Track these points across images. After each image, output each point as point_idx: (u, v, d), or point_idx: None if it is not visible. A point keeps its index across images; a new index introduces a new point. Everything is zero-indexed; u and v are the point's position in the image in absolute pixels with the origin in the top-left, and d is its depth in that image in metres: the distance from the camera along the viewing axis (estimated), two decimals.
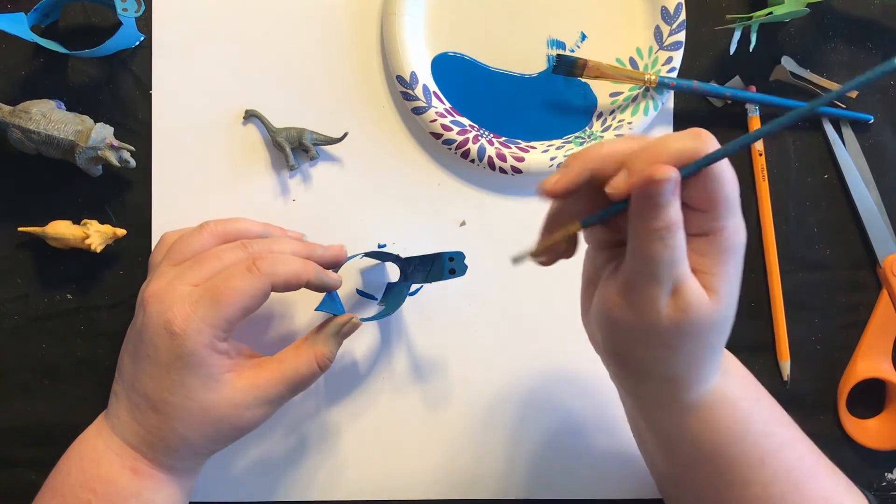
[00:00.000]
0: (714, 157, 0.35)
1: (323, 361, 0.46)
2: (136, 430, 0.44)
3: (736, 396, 0.41)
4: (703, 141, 0.35)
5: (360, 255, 0.52)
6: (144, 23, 0.53)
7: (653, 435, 0.44)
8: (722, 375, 0.41)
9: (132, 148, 0.51)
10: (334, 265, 0.49)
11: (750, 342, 0.56)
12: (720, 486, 0.41)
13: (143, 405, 0.44)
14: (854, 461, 0.56)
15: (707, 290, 0.37)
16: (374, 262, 0.54)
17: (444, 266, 0.49)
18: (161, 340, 0.42)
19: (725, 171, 0.36)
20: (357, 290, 0.54)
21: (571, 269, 0.55)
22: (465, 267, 0.49)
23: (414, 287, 0.53)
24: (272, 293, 0.44)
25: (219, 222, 0.47)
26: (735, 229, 0.37)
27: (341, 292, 0.53)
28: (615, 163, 0.36)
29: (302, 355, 0.46)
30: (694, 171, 0.35)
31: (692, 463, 0.42)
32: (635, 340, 0.38)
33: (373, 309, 0.54)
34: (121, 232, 0.51)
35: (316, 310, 0.47)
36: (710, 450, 0.41)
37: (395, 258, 0.52)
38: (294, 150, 0.53)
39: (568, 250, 0.40)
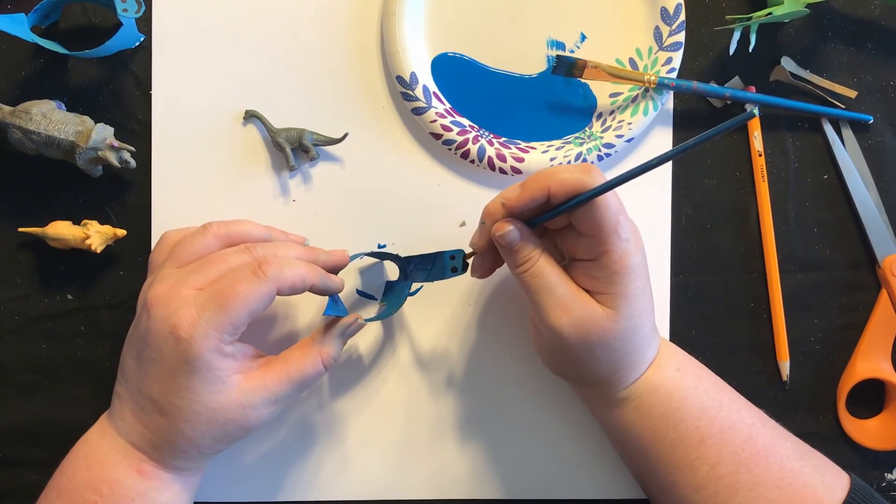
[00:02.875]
0: (593, 194, 0.42)
1: (328, 361, 0.46)
2: (142, 432, 0.44)
3: (668, 386, 0.47)
4: (591, 175, 0.42)
5: (362, 256, 0.52)
6: (144, 23, 0.53)
7: (606, 431, 0.51)
8: (654, 368, 0.47)
9: (132, 148, 0.51)
10: (336, 269, 0.49)
11: (749, 342, 0.56)
12: (668, 470, 0.47)
13: (149, 408, 0.44)
14: (854, 461, 0.56)
15: (605, 307, 0.44)
16: (373, 260, 0.54)
17: (445, 265, 0.50)
18: (167, 345, 0.42)
19: (609, 201, 0.42)
20: (357, 290, 0.54)
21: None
22: (467, 265, 0.50)
23: (414, 287, 0.53)
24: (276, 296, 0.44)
25: (222, 224, 0.47)
26: (623, 253, 0.43)
27: (341, 292, 0.53)
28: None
29: (308, 355, 0.46)
30: (579, 202, 0.42)
31: (639, 452, 0.48)
32: (556, 355, 0.47)
33: (374, 309, 0.54)
34: (121, 232, 0.51)
35: (325, 314, 0.47)
36: (651, 436, 0.47)
37: (395, 257, 0.52)
38: (294, 150, 0.53)
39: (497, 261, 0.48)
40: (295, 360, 0.46)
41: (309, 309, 0.53)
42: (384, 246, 0.53)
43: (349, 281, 0.54)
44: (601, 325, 0.44)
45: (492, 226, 0.45)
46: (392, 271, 0.54)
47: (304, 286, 0.45)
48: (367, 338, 0.54)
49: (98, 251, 0.50)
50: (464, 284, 0.54)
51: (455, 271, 0.50)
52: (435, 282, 0.51)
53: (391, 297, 0.53)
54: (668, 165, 0.55)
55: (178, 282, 0.43)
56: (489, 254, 0.47)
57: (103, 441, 0.45)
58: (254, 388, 0.44)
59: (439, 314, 0.54)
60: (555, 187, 0.42)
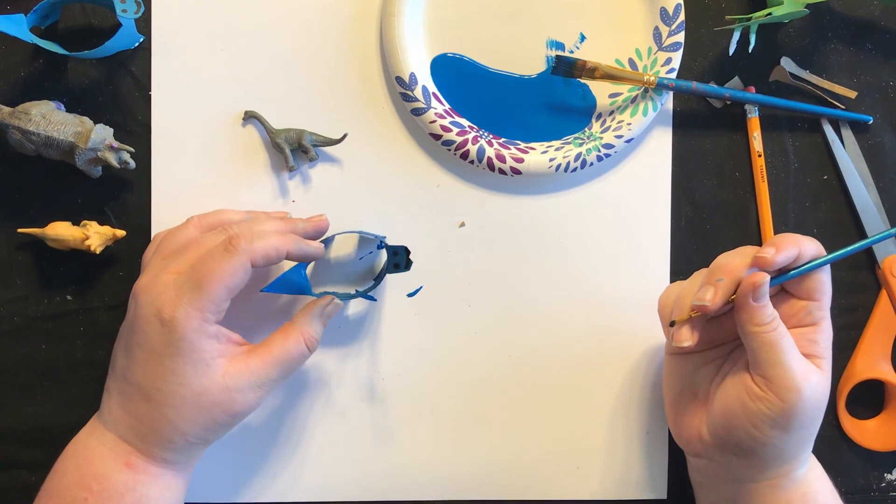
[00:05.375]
0: (826, 261, 0.45)
1: (311, 342, 0.47)
2: (129, 421, 0.45)
3: (825, 478, 0.48)
4: (820, 247, 0.45)
5: (349, 232, 0.53)
6: (144, 24, 0.53)
7: None
8: (809, 460, 0.48)
9: (132, 149, 0.51)
10: (317, 235, 0.50)
11: None
12: None
13: (135, 395, 0.44)
14: (853, 462, 0.56)
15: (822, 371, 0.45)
16: (350, 248, 0.54)
17: (388, 259, 0.51)
18: (152, 328, 0.43)
19: (827, 269, 0.45)
20: (356, 290, 0.54)
21: (568, 272, 0.55)
22: (410, 262, 0.51)
23: (413, 288, 0.53)
24: (263, 269, 0.46)
25: (203, 215, 0.49)
26: (830, 319, 0.46)
27: (336, 280, 0.53)
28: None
29: (290, 337, 0.47)
30: (811, 268, 0.45)
31: None
32: (768, 423, 0.44)
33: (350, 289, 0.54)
34: (120, 233, 0.51)
35: (262, 291, 0.48)
36: None
37: (381, 242, 0.53)
38: (293, 151, 0.53)
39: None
40: (278, 343, 0.46)
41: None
42: (384, 238, 0.53)
43: (349, 283, 0.54)
44: (826, 391, 0.45)
45: (732, 283, 0.44)
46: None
47: (278, 255, 0.45)
48: (363, 340, 0.54)
49: (97, 252, 0.50)
50: (463, 284, 0.54)
51: (398, 267, 0.51)
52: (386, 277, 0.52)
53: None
54: (668, 166, 0.55)
55: (160, 269, 0.45)
56: (700, 319, 0.45)
57: (92, 438, 0.46)
58: (239, 372, 0.45)
59: (439, 314, 0.54)
60: (806, 246, 0.44)
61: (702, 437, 0.47)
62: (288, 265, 0.49)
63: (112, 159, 0.50)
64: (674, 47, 0.53)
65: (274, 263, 0.46)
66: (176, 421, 0.44)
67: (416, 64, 0.52)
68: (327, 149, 0.54)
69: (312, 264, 0.54)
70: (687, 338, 0.44)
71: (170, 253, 0.47)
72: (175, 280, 0.44)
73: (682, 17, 0.52)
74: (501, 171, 0.53)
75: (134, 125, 0.53)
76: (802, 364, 0.44)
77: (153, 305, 0.43)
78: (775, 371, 0.43)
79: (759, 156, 0.55)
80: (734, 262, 0.44)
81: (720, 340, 0.48)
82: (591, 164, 0.53)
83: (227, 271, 0.43)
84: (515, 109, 0.54)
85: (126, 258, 0.53)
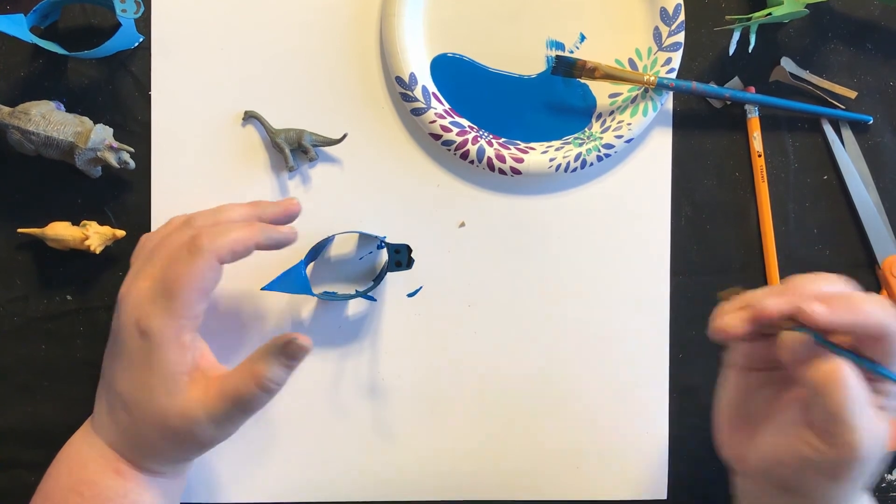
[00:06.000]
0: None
1: (263, 383, 0.42)
2: (114, 430, 0.44)
3: None
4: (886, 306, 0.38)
5: (349, 232, 0.52)
6: (144, 24, 0.53)
7: None
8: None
9: (131, 149, 0.51)
10: (287, 220, 0.47)
11: None
12: None
13: (118, 404, 0.44)
14: None
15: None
16: (350, 247, 0.54)
17: (390, 258, 0.51)
18: (132, 338, 0.43)
19: None
20: (356, 290, 0.54)
21: (568, 271, 0.55)
22: (412, 260, 0.51)
23: (413, 288, 0.53)
24: (237, 263, 0.43)
25: (183, 216, 0.48)
26: None
27: (335, 279, 0.53)
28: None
29: (243, 375, 0.42)
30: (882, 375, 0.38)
31: None
32: (820, 473, 0.39)
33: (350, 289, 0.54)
34: (120, 233, 0.51)
35: (262, 289, 0.47)
36: None
37: (381, 242, 0.53)
38: (293, 151, 0.53)
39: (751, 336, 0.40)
40: (231, 379, 0.42)
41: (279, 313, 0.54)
42: (384, 238, 0.53)
43: (349, 282, 0.54)
44: (887, 441, 0.39)
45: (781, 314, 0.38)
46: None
47: (246, 248, 0.43)
48: (363, 341, 0.54)
49: (97, 252, 0.50)
50: (463, 284, 0.54)
51: (399, 266, 0.51)
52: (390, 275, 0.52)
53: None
54: (668, 166, 0.55)
55: (135, 275, 0.45)
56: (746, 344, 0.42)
57: (84, 442, 0.46)
58: (196, 399, 0.42)
59: (439, 314, 0.54)
60: (868, 313, 0.38)
61: (748, 460, 0.43)
62: (290, 263, 0.49)
63: (112, 159, 0.50)
64: (674, 47, 0.53)
65: (243, 256, 0.43)
66: (149, 436, 0.43)
67: (416, 64, 0.52)
68: (327, 149, 0.54)
69: (313, 264, 0.54)
70: (732, 325, 0.39)
71: (145, 255, 0.46)
72: (150, 287, 0.43)
73: (682, 17, 0.52)
74: (501, 171, 0.53)
75: (134, 125, 0.53)
76: (868, 420, 0.38)
77: (133, 314, 0.43)
78: (836, 428, 0.38)
79: (759, 156, 0.55)
80: (790, 294, 0.39)
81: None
82: (591, 164, 0.53)
83: (195, 274, 0.41)
84: (515, 109, 0.54)
85: (126, 258, 0.53)
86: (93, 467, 0.44)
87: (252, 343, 0.53)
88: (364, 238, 0.54)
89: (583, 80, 0.54)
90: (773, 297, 0.38)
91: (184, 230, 0.45)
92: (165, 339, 0.41)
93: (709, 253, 0.55)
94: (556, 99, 0.54)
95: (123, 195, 0.53)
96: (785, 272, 0.55)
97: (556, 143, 0.54)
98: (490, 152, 0.52)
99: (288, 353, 0.42)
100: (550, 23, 0.54)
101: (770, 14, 0.51)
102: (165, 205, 0.53)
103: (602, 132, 0.53)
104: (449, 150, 0.53)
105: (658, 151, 0.55)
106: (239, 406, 0.42)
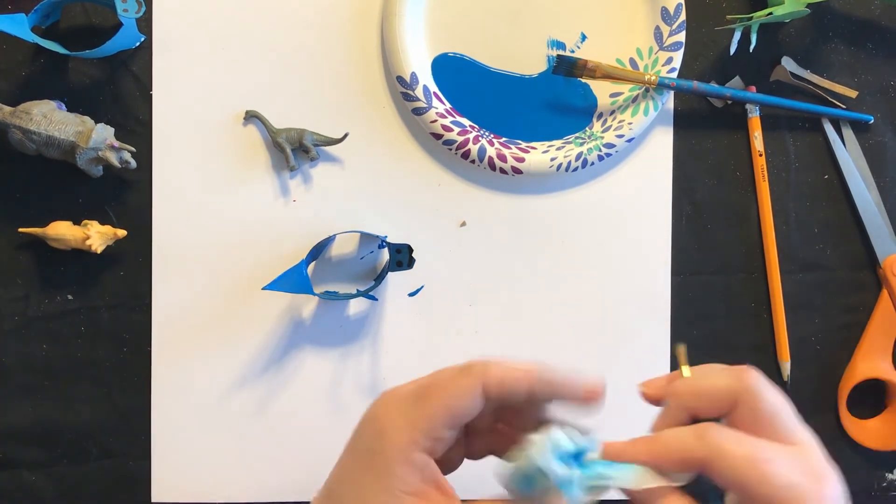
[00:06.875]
0: None
1: None
2: None
3: None
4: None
5: (350, 231, 0.52)
6: (145, 23, 0.53)
7: None
8: None
9: (133, 149, 0.51)
10: (587, 401, 0.39)
11: (750, 342, 0.56)
12: None
13: (323, 492, 0.39)
14: (854, 461, 0.56)
15: None
16: (351, 247, 0.54)
17: (391, 257, 0.51)
18: (364, 430, 0.38)
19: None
20: (358, 289, 0.54)
21: (569, 271, 0.55)
22: (413, 260, 0.51)
23: (414, 287, 0.53)
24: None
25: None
26: None
27: (337, 279, 0.53)
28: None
29: None
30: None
31: None
32: None
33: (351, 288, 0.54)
34: (121, 233, 0.51)
35: (263, 289, 0.47)
36: None
37: (383, 241, 0.53)
38: (294, 150, 0.53)
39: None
40: None
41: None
42: (385, 237, 0.53)
43: (350, 282, 0.54)
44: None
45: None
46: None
47: (515, 382, 0.37)
48: (364, 340, 0.54)
49: (98, 251, 0.50)
50: (464, 284, 0.54)
51: (400, 265, 0.51)
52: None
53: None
54: (669, 165, 0.55)
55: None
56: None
57: None
58: None
59: (440, 313, 0.54)
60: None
61: None
62: (291, 263, 0.49)
63: (113, 159, 0.50)
64: (675, 47, 0.53)
65: (514, 397, 0.37)
66: None
67: (417, 63, 0.52)
68: (328, 148, 0.54)
69: (314, 263, 0.54)
70: (648, 392, 0.38)
71: None
72: (409, 389, 0.38)
73: (682, 16, 0.52)
74: (502, 171, 0.53)
75: (135, 125, 0.53)
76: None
77: (375, 409, 0.38)
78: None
79: (760, 155, 0.55)
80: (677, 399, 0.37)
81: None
82: (592, 163, 0.53)
83: (452, 390, 0.36)
84: (516, 109, 0.54)
85: (127, 258, 0.53)
86: None
87: (252, 343, 0.53)
88: (365, 237, 0.54)
89: (584, 80, 0.54)
90: (654, 390, 0.38)
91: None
92: (396, 444, 0.36)
93: (709, 252, 0.55)
94: (557, 98, 0.54)
95: (125, 195, 0.53)
96: (785, 272, 0.55)
97: (557, 143, 0.54)
98: (491, 152, 0.52)
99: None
100: (551, 22, 0.54)
101: (771, 13, 0.51)
102: (167, 204, 0.53)
103: (603, 131, 0.53)
104: (450, 149, 0.53)
105: (659, 151, 0.55)
106: None
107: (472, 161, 0.53)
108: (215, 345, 0.53)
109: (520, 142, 0.54)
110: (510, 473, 0.35)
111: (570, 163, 0.52)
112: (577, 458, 0.35)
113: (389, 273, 0.52)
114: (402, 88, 0.52)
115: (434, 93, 0.53)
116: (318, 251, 0.52)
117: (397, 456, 0.36)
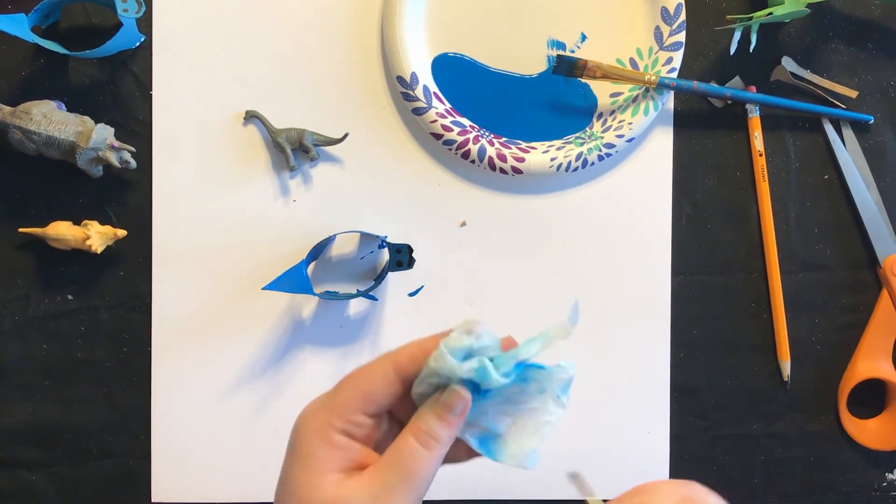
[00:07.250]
0: None
1: (421, 436, 0.37)
2: None
3: None
4: None
5: (350, 231, 0.53)
6: (145, 24, 0.53)
7: None
8: None
9: (133, 149, 0.51)
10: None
11: (750, 342, 0.56)
12: None
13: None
14: (854, 461, 0.56)
15: None
16: (351, 247, 0.54)
17: (391, 257, 0.51)
18: (291, 432, 0.38)
19: None
20: (358, 289, 0.54)
21: (569, 271, 0.55)
22: (413, 260, 0.51)
23: (414, 287, 0.54)
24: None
25: None
26: None
27: (337, 279, 0.53)
28: None
29: (400, 436, 0.38)
30: None
31: None
32: None
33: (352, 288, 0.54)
34: (121, 233, 0.51)
35: (263, 288, 0.47)
36: None
37: (382, 241, 0.53)
38: (294, 150, 0.53)
39: None
40: (389, 447, 0.38)
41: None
42: (385, 237, 0.53)
43: (350, 282, 0.54)
44: None
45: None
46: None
47: (423, 353, 0.38)
48: (367, 337, 0.54)
49: (98, 251, 0.50)
50: (464, 284, 0.54)
51: (400, 266, 0.51)
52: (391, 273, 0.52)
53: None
54: (669, 165, 0.55)
55: None
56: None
57: None
58: (354, 484, 0.37)
59: (440, 313, 0.54)
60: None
61: None
62: (291, 263, 0.49)
63: (113, 159, 0.50)
64: (675, 47, 0.53)
65: (407, 369, 0.38)
66: None
67: (417, 63, 0.52)
68: (328, 148, 0.54)
69: (314, 263, 0.54)
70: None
71: None
72: (327, 391, 0.38)
73: (682, 16, 0.52)
74: (502, 171, 0.53)
75: (135, 125, 0.53)
76: None
77: (300, 414, 0.38)
78: None
79: (760, 155, 0.55)
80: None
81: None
82: (592, 163, 0.53)
83: (365, 375, 0.37)
84: (516, 109, 0.54)
85: (127, 258, 0.53)
86: None
87: (252, 343, 0.53)
88: (365, 237, 0.54)
89: (584, 80, 0.54)
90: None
91: None
92: (311, 429, 0.37)
93: (709, 252, 0.55)
94: (557, 98, 0.54)
95: (125, 195, 0.53)
96: (785, 271, 0.55)
97: (557, 143, 0.54)
98: (491, 152, 0.52)
99: (443, 401, 0.38)
100: (551, 22, 0.54)
101: (771, 13, 0.51)
102: (167, 204, 0.53)
103: (603, 131, 0.53)
104: (450, 149, 0.53)
105: (659, 151, 0.55)
106: (403, 471, 0.37)
107: (472, 161, 0.53)
108: (215, 345, 0.53)
109: (520, 142, 0.54)
110: (417, 380, 0.37)
111: (570, 163, 0.52)
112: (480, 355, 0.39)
113: (389, 273, 0.52)
114: (402, 88, 0.52)
115: (434, 93, 0.53)
116: (318, 251, 0.52)
117: (314, 440, 0.37)
